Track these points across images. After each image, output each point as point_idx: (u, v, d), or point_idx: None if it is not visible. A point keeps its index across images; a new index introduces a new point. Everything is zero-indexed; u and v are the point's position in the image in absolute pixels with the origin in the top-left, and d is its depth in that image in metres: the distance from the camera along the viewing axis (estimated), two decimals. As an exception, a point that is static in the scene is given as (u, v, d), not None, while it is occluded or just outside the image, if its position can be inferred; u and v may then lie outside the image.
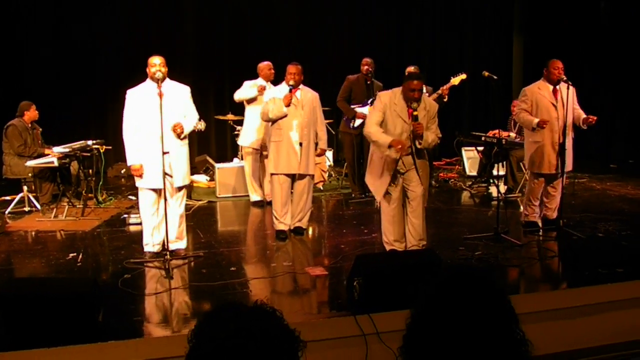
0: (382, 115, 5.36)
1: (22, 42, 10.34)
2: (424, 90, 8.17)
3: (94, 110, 10.67)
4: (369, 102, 7.96)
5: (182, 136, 5.59)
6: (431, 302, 1.63)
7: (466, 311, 1.57)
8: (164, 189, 5.40)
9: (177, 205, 5.73)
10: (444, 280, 1.66)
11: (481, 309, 1.59)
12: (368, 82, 8.09)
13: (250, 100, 7.95)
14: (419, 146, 5.32)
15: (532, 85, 6.42)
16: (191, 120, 5.74)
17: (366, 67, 8.11)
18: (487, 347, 1.55)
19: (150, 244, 5.69)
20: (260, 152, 7.88)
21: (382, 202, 5.60)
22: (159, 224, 5.66)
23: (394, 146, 5.17)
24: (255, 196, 8.10)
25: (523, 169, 8.63)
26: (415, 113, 5.24)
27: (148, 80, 5.59)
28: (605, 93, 11.48)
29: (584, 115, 6.33)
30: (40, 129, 8.21)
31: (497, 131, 7.94)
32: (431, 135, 5.37)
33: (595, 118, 6.30)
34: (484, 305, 1.59)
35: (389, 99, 5.39)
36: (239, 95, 8.07)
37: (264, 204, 7.93)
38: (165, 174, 5.37)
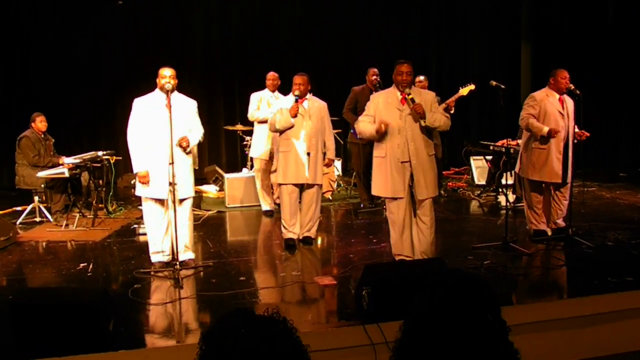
0: (372, 115, 5.49)
1: (29, 45, 10.45)
2: (421, 79, 8.19)
3: (103, 121, 10.77)
4: None
5: (188, 150, 5.63)
6: (419, 313, 1.63)
7: (453, 323, 1.57)
8: (174, 199, 5.42)
9: (186, 215, 5.75)
10: (432, 291, 1.66)
11: (469, 320, 1.58)
12: (373, 92, 8.11)
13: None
14: (423, 124, 5.32)
15: (540, 92, 6.42)
16: (196, 134, 5.77)
17: (375, 77, 8.14)
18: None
19: (160, 253, 5.71)
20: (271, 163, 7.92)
21: (389, 211, 5.59)
22: (166, 233, 5.69)
23: (378, 129, 5.36)
24: (265, 206, 8.14)
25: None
26: (409, 97, 5.32)
27: (157, 91, 5.63)
28: (612, 99, 11.46)
29: (577, 130, 6.34)
30: (53, 140, 8.28)
31: (505, 141, 7.94)
32: (437, 115, 5.40)
33: (586, 135, 6.32)
34: (471, 317, 1.59)
35: (383, 96, 5.55)
36: (254, 116, 8.18)
37: (274, 213, 7.96)
38: (171, 184, 5.40)
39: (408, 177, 5.38)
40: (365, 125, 5.52)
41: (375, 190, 5.67)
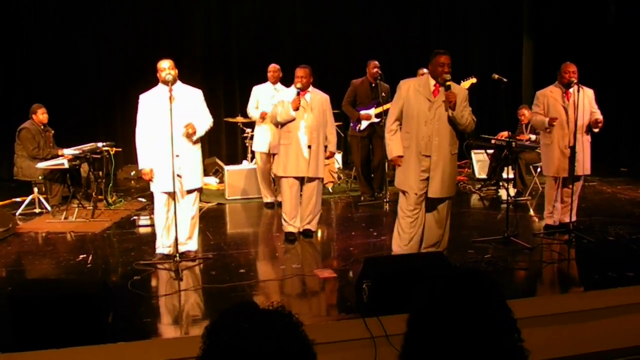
0: (400, 107, 5.30)
1: (29, 45, 10.44)
2: (425, 71, 8.16)
3: (103, 112, 10.76)
4: (375, 103, 7.98)
5: (195, 137, 5.59)
6: (428, 307, 1.62)
7: (462, 316, 1.56)
8: (174, 191, 5.40)
9: (190, 207, 5.74)
10: (439, 284, 1.65)
11: (478, 314, 1.57)
12: (373, 85, 8.10)
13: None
14: (451, 114, 5.13)
15: (545, 88, 6.45)
16: (204, 123, 5.72)
17: (376, 69, 8.11)
18: (484, 354, 1.54)
19: (161, 245, 5.70)
20: (272, 155, 7.89)
21: (399, 204, 5.48)
22: (170, 226, 5.67)
23: (395, 162, 5.35)
24: (267, 199, 8.14)
25: (532, 172, 8.61)
26: (448, 83, 5.11)
27: (160, 84, 5.60)
28: (613, 95, 11.42)
29: (594, 117, 6.30)
30: (53, 131, 8.26)
31: (507, 132, 7.93)
32: (465, 112, 5.22)
33: (600, 119, 6.28)
34: (480, 310, 1.57)
35: (413, 83, 5.32)
36: (250, 114, 8.22)
37: (275, 206, 7.95)
38: (178, 176, 5.39)
39: (426, 174, 5.23)
40: (391, 144, 5.35)
41: (395, 180, 5.56)
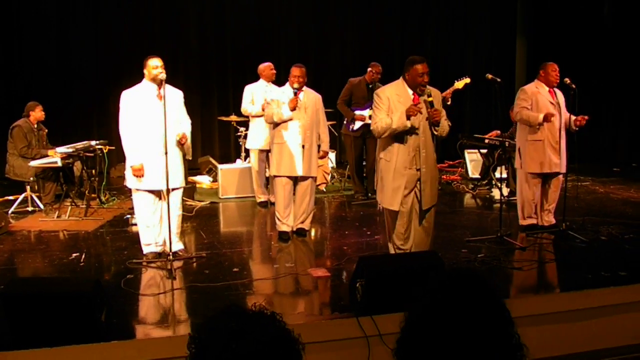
0: (388, 111, 4.96)
1: (24, 42, 10.39)
2: None
3: (97, 111, 10.71)
4: (369, 105, 7.97)
5: (186, 147, 5.59)
6: (426, 305, 1.62)
7: (460, 314, 1.57)
8: (167, 190, 5.38)
9: (178, 205, 5.72)
10: (438, 283, 1.66)
11: (476, 312, 1.58)
12: (370, 86, 8.08)
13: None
14: (435, 133, 4.95)
15: (530, 85, 6.51)
16: (187, 126, 5.72)
17: (378, 75, 8.07)
18: (482, 351, 1.54)
19: (153, 244, 5.67)
20: (267, 154, 7.87)
21: (386, 219, 5.29)
22: (159, 224, 5.65)
23: (411, 113, 4.80)
24: (260, 197, 8.12)
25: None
26: (429, 99, 4.87)
27: (144, 82, 5.55)
28: (608, 96, 11.48)
29: (573, 117, 6.35)
30: (46, 130, 8.23)
31: (497, 132, 7.97)
32: (444, 123, 5.02)
33: (586, 118, 6.30)
34: (478, 309, 1.58)
35: (392, 91, 5.02)
36: (247, 110, 8.08)
37: (268, 205, 7.94)
38: (165, 174, 5.36)
39: (413, 186, 5.02)
40: (392, 121, 4.85)
41: (377, 195, 5.35)
